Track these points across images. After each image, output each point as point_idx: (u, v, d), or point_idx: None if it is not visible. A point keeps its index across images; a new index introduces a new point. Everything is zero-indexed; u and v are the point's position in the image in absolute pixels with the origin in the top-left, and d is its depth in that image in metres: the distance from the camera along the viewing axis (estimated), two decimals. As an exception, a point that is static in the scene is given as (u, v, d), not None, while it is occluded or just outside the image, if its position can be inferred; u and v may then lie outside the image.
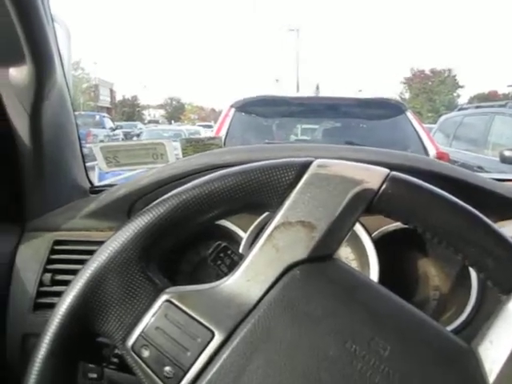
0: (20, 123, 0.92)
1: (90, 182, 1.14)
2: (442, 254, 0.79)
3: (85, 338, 0.49)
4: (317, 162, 0.49)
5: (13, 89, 0.87)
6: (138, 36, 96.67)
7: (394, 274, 0.78)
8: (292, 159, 0.50)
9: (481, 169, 5.42)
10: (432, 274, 0.82)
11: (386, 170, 0.49)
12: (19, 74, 0.85)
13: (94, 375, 0.75)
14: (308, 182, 0.48)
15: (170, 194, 0.50)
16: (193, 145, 1.12)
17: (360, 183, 0.48)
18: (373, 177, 0.48)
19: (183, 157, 1.09)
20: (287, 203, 0.48)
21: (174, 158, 1.05)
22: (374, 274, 0.76)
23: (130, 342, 0.46)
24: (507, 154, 4.92)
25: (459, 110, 7.74)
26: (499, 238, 0.47)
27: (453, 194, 0.49)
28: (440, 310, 0.79)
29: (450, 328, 0.72)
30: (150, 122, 44.25)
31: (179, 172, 0.77)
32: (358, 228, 0.78)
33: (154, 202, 0.50)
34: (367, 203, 0.48)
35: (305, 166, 0.49)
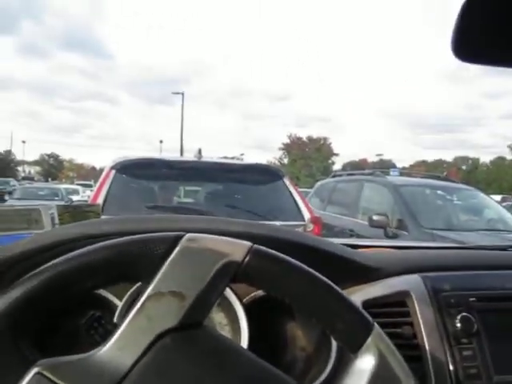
0: None
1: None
2: (306, 318, 0.85)
3: None
4: (187, 236, 0.53)
5: None
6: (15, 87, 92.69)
7: (264, 338, 0.83)
8: (164, 234, 0.53)
9: (352, 231, 5.76)
10: (299, 335, 0.87)
11: (249, 244, 0.54)
12: None
13: None
14: (179, 255, 0.52)
15: (46, 265, 0.51)
16: (70, 211, 1.10)
17: (226, 256, 0.52)
18: (237, 250, 0.53)
19: (60, 223, 1.07)
20: (159, 275, 0.51)
21: (50, 225, 1.03)
22: (244, 339, 0.79)
23: None
24: (375, 218, 5.28)
25: (333, 176, 8.22)
26: (346, 303, 0.54)
27: (310, 263, 0.55)
28: (306, 369, 0.83)
29: None
30: (24, 178, 41.79)
31: (55, 240, 0.75)
32: (230, 294, 0.82)
33: (28, 274, 0.50)
34: (233, 274, 0.52)
35: (176, 240, 0.53)
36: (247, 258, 0.52)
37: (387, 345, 0.54)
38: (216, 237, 0.55)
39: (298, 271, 0.54)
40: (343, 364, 0.76)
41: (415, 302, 0.82)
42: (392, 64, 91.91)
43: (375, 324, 0.54)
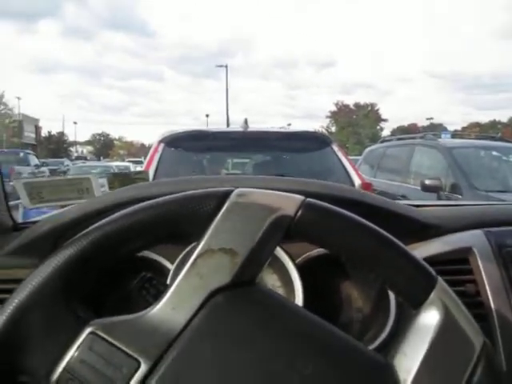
0: None
1: (13, 219, 1.10)
2: (362, 276, 0.83)
3: (6, 378, 0.48)
4: (236, 191, 0.52)
5: None
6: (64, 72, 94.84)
7: (319, 299, 0.81)
8: (212, 189, 0.52)
9: (404, 197, 5.65)
10: (354, 296, 0.85)
11: (301, 197, 0.51)
12: None
13: None
14: (228, 211, 0.50)
15: (92, 227, 0.51)
16: (119, 180, 1.11)
17: (277, 210, 0.50)
18: (289, 204, 0.51)
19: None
20: (209, 231, 0.49)
21: (100, 193, 1.04)
22: (298, 301, 0.78)
23: (54, 377, 0.45)
24: (427, 182, 5.16)
25: (382, 142, 8.06)
26: (408, 257, 0.51)
27: (366, 219, 0.53)
28: (363, 331, 0.82)
29: (372, 346, 0.75)
30: (77, 158, 43.11)
31: (104, 206, 0.77)
32: (282, 255, 0.80)
33: (77, 236, 0.50)
34: (285, 229, 0.50)
35: (225, 196, 0.51)
36: (300, 212, 0.50)
37: (453, 299, 0.51)
38: (266, 191, 0.53)
39: (355, 224, 0.51)
40: (404, 322, 0.74)
41: (478, 258, 0.78)
42: (441, 23, 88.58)
43: (439, 277, 0.51)
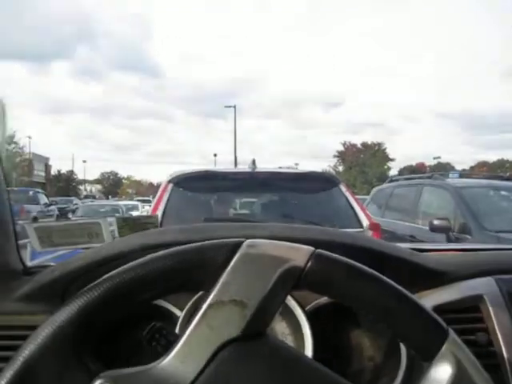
0: None
1: (23, 262, 1.10)
2: (373, 325, 0.82)
3: None
4: (247, 242, 0.52)
5: None
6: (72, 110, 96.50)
7: (329, 347, 0.80)
8: (224, 240, 0.52)
9: (413, 237, 5.61)
10: (366, 345, 0.84)
11: (311, 248, 0.52)
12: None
13: None
14: (239, 262, 0.50)
15: (104, 277, 0.51)
16: (129, 224, 1.12)
17: (287, 261, 0.50)
18: (299, 255, 0.51)
19: (119, 236, 1.08)
20: (220, 282, 0.50)
21: (110, 238, 1.04)
22: (308, 348, 0.77)
23: None
24: (436, 223, 5.13)
25: (390, 181, 8.07)
26: (419, 310, 0.51)
27: (375, 267, 0.53)
28: (374, 380, 0.80)
29: None
30: (86, 197, 43.41)
31: (115, 253, 0.77)
32: (292, 302, 0.80)
33: (89, 286, 0.50)
34: (295, 280, 0.50)
35: (236, 247, 0.51)
36: (310, 263, 0.50)
37: (464, 352, 0.50)
38: (276, 242, 0.53)
39: (365, 276, 0.51)
40: (415, 374, 0.73)
41: (489, 306, 0.77)
42: (447, 63, 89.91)
43: (450, 330, 0.51)
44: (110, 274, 0.51)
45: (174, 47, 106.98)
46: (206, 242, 0.52)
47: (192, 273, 0.51)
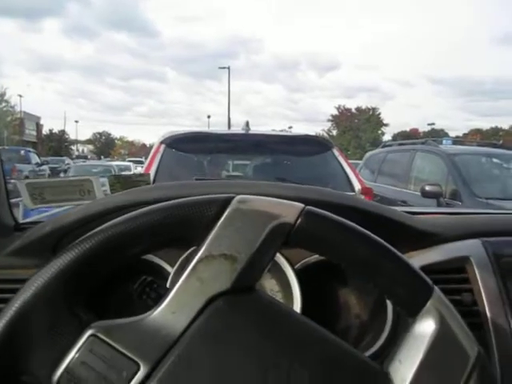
0: None
1: (15, 219, 1.10)
2: (360, 283, 0.83)
3: (8, 378, 0.48)
4: (237, 198, 0.52)
5: None
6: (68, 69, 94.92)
7: (317, 304, 0.82)
8: (214, 195, 0.53)
9: (404, 203, 5.64)
10: (352, 302, 0.85)
11: (302, 205, 0.52)
12: None
13: None
14: (229, 217, 0.51)
15: (95, 230, 0.51)
16: (121, 182, 1.12)
17: (278, 217, 0.51)
18: (289, 211, 0.51)
19: (111, 193, 1.08)
20: (210, 237, 0.50)
21: (102, 195, 1.04)
22: (297, 305, 0.78)
23: (55, 378, 0.46)
24: (427, 188, 5.16)
25: (383, 146, 8.06)
26: (405, 267, 0.52)
27: (365, 227, 0.53)
28: (360, 337, 0.82)
29: (368, 353, 0.75)
30: (78, 157, 43.17)
31: (106, 208, 0.77)
32: (282, 260, 0.81)
33: (80, 239, 0.51)
34: (285, 236, 0.51)
35: (226, 202, 0.52)
36: (299, 220, 0.51)
37: (448, 308, 0.51)
38: (267, 198, 0.53)
39: (354, 233, 0.52)
40: (400, 330, 0.75)
41: (475, 267, 0.78)
42: (443, 28, 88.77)
43: (435, 287, 0.52)
44: (101, 227, 0.51)
45: (169, 5, 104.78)
46: (197, 197, 0.53)
47: (181, 228, 0.52)
